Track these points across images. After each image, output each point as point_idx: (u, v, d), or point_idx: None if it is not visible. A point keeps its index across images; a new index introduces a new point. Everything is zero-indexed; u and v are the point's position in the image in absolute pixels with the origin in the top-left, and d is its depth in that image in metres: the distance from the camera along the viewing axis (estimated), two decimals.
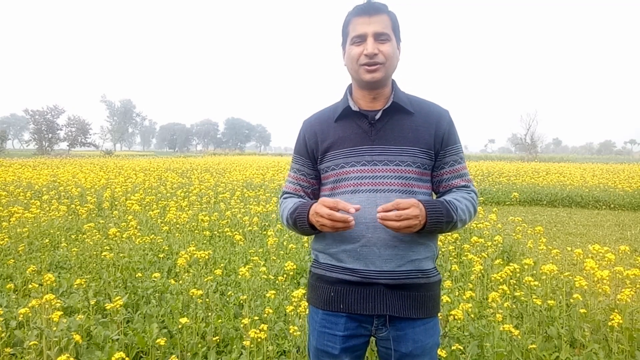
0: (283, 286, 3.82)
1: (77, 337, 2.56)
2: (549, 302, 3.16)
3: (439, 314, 1.49)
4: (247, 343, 2.50)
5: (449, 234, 4.79)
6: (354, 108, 1.44)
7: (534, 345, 2.68)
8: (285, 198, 1.56)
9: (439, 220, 1.31)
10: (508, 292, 3.18)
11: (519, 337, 2.69)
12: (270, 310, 2.95)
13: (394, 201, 1.26)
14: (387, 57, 1.37)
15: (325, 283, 1.44)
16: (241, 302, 3.46)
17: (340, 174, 1.42)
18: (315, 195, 1.57)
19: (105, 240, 5.37)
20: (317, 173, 1.52)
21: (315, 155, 1.50)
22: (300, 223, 1.40)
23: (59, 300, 2.71)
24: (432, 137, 1.42)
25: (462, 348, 2.58)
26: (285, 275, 3.82)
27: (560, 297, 3.37)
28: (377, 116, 1.42)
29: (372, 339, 1.47)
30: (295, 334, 2.57)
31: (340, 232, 1.38)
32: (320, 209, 1.30)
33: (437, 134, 1.42)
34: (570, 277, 3.60)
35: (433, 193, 1.52)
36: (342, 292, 1.40)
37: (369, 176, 1.39)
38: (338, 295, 1.41)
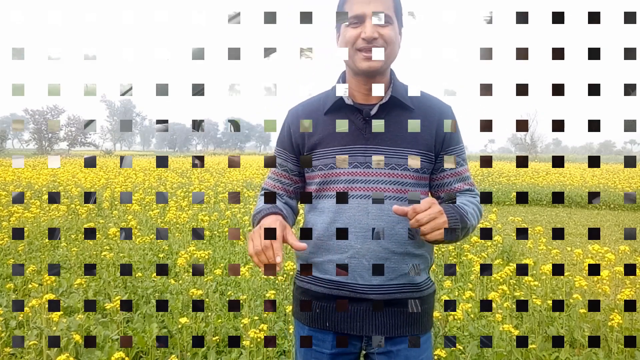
0: (283, 286, 3.82)
1: (77, 337, 2.56)
2: (549, 302, 3.16)
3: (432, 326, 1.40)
4: (247, 343, 2.51)
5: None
6: (347, 101, 1.25)
7: (534, 345, 2.69)
8: (261, 195, 1.37)
9: (455, 227, 1.13)
10: (508, 292, 3.18)
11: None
12: None
13: (410, 207, 1.07)
14: (388, 42, 1.17)
15: (310, 297, 1.30)
16: (241, 302, 3.47)
17: (328, 175, 1.25)
18: (297, 195, 1.39)
19: (105, 240, 5.37)
20: (302, 170, 1.35)
21: (300, 150, 1.32)
22: None
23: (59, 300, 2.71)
24: (433, 137, 1.24)
25: (462, 348, 2.58)
26: (285, 275, 3.83)
27: (560, 297, 3.37)
28: (373, 111, 1.24)
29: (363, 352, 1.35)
30: None
31: (325, 241, 1.25)
32: (256, 240, 1.11)
33: (438, 134, 1.25)
34: (570, 277, 3.61)
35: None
36: (327, 309, 1.27)
37: (362, 180, 1.22)
38: (323, 312, 1.28)
